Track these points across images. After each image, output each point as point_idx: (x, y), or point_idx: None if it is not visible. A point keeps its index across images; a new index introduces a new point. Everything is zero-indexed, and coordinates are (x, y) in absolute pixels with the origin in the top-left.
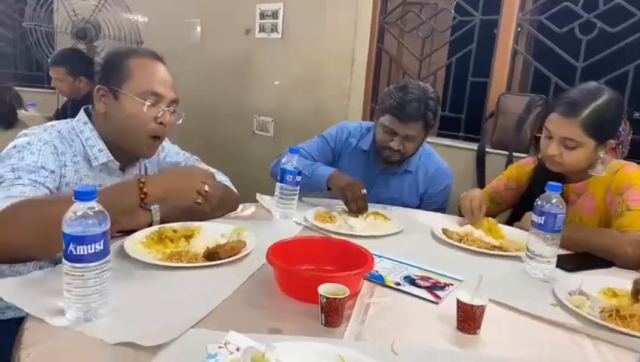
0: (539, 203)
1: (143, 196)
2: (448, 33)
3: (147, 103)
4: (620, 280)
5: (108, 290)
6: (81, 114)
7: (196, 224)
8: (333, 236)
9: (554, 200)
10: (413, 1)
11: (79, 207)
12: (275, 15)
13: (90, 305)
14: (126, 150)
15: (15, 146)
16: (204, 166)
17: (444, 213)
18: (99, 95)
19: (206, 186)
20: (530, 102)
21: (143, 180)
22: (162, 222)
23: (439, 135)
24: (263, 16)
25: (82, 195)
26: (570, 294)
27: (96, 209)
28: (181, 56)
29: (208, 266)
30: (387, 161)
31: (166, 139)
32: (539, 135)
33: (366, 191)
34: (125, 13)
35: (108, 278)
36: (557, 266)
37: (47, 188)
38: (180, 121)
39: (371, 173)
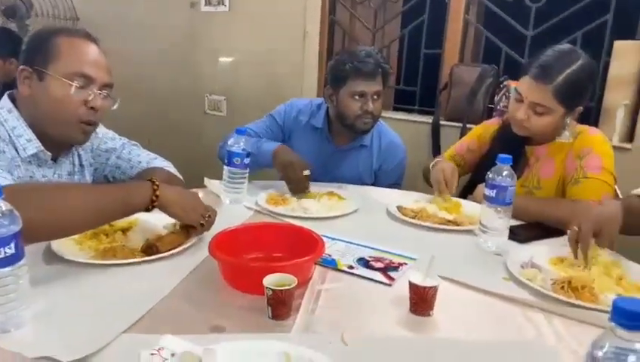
0: (490, 176)
1: (154, 198)
2: (400, 4)
3: (74, 85)
4: (567, 247)
5: (28, 296)
6: (5, 100)
7: (134, 216)
8: (287, 219)
9: (505, 173)
10: None
11: None
12: None
13: (6, 315)
14: (56, 137)
15: None
16: (143, 152)
17: (399, 188)
18: (22, 76)
19: (209, 213)
20: (482, 73)
21: (156, 183)
22: None
23: (395, 109)
24: None
25: None
26: (522, 267)
27: (3, 208)
28: (123, 34)
29: (146, 262)
30: (364, 131)
31: (100, 125)
32: (491, 105)
33: (315, 172)
34: None
35: (26, 283)
36: (509, 238)
37: None
38: (115, 107)
39: (325, 151)
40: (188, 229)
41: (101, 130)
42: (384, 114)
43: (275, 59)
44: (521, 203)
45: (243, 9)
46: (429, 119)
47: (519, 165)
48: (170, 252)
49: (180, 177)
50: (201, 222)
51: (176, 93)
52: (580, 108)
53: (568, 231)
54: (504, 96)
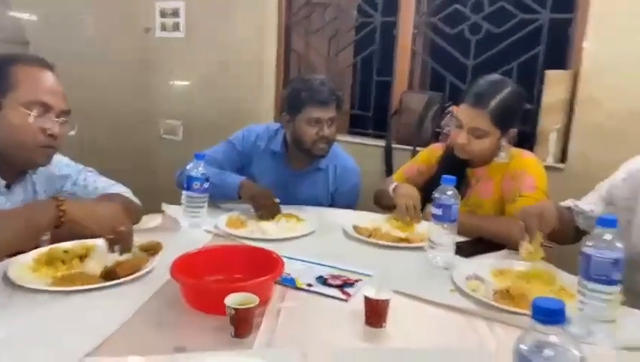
0: (436, 196)
1: (60, 214)
2: (353, 33)
3: (32, 114)
4: (506, 261)
5: None
6: None
7: (91, 242)
8: (246, 242)
9: (449, 193)
10: (317, 2)
11: None
12: (176, 13)
13: None
14: (18, 161)
15: None
16: (100, 178)
17: (354, 209)
18: None
19: (122, 227)
20: (429, 100)
21: (60, 198)
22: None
23: (350, 133)
24: (163, 14)
25: None
26: (467, 279)
27: None
28: (74, 58)
29: (106, 287)
30: (321, 155)
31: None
32: (439, 130)
33: (277, 197)
34: (7, 10)
35: None
36: (456, 253)
37: None
38: (73, 133)
39: (283, 175)
40: (148, 254)
41: (56, 156)
42: (340, 137)
43: (232, 84)
44: (464, 220)
45: (199, 35)
46: (382, 143)
47: (462, 186)
48: (131, 276)
49: (138, 202)
50: (109, 236)
51: (131, 118)
52: (514, 131)
53: (517, 231)
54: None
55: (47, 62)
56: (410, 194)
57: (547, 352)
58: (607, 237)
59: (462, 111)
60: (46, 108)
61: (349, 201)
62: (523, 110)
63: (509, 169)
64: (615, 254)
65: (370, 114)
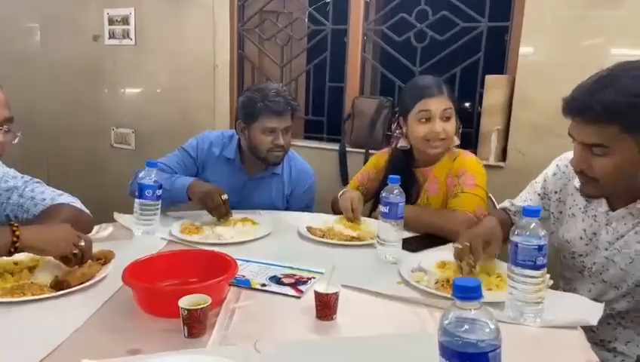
0: (383, 195)
1: (15, 240)
2: (305, 41)
3: None
4: (450, 254)
5: None
6: None
7: None
8: (202, 247)
9: (395, 191)
10: (269, 10)
11: None
12: (125, 21)
13: None
14: None
15: None
16: (47, 189)
17: (311, 211)
18: None
19: (82, 242)
20: (380, 104)
21: (15, 224)
22: None
23: (305, 137)
24: (112, 21)
25: None
26: (412, 271)
27: None
28: (21, 66)
29: (56, 297)
30: (276, 163)
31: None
32: (389, 133)
33: (227, 196)
34: None
35: None
36: (403, 248)
37: None
38: (16, 141)
39: (239, 181)
40: (100, 263)
41: (1, 168)
42: (295, 142)
43: (185, 91)
44: (409, 213)
45: (150, 43)
46: (336, 146)
47: (413, 186)
48: (83, 285)
49: (88, 212)
50: (74, 251)
51: (80, 126)
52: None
53: (454, 248)
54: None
55: None
56: (350, 196)
57: (466, 326)
58: (532, 225)
59: (429, 102)
60: None
61: (305, 204)
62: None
63: (453, 168)
64: (539, 241)
65: (324, 119)
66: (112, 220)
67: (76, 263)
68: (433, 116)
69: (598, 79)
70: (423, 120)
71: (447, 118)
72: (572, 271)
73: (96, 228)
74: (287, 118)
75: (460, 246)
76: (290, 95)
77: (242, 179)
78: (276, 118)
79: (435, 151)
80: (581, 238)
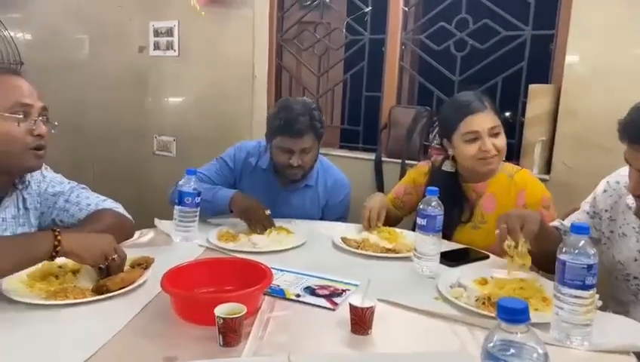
0: (421, 207)
1: (56, 244)
2: (342, 50)
3: (19, 116)
4: (489, 270)
5: None
6: None
7: None
8: (237, 254)
9: (433, 203)
10: (307, 21)
11: None
12: (170, 33)
13: None
14: (12, 168)
15: None
16: (92, 195)
17: (345, 221)
18: None
19: (114, 255)
20: (417, 114)
21: (57, 230)
22: None
23: (340, 147)
24: (157, 33)
25: None
26: (450, 287)
27: None
28: (69, 76)
29: (97, 301)
30: (293, 180)
31: (48, 168)
32: (427, 143)
33: (269, 210)
34: (1, 30)
35: None
36: (441, 262)
37: None
38: (53, 131)
39: (273, 191)
40: (139, 269)
41: (49, 174)
42: (331, 152)
43: (225, 100)
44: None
45: (192, 54)
46: (372, 156)
47: (462, 202)
48: (123, 290)
49: (130, 218)
50: (100, 265)
51: (125, 135)
52: None
53: (497, 232)
54: (436, 135)
55: (14, 69)
56: (371, 205)
57: (512, 350)
58: (581, 243)
59: (474, 121)
60: (28, 108)
61: (340, 214)
62: None
63: (513, 186)
64: (588, 260)
65: (361, 128)
66: (152, 225)
67: (102, 276)
68: (481, 135)
69: None
70: (471, 140)
71: (497, 135)
72: (626, 294)
73: (137, 233)
74: (307, 139)
75: (498, 231)
76: (318, 115)
77: (276, 189)
78: (292, 139)
79: (490, 168)
80: (636, 260)
